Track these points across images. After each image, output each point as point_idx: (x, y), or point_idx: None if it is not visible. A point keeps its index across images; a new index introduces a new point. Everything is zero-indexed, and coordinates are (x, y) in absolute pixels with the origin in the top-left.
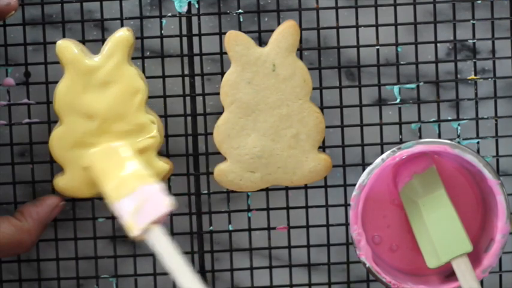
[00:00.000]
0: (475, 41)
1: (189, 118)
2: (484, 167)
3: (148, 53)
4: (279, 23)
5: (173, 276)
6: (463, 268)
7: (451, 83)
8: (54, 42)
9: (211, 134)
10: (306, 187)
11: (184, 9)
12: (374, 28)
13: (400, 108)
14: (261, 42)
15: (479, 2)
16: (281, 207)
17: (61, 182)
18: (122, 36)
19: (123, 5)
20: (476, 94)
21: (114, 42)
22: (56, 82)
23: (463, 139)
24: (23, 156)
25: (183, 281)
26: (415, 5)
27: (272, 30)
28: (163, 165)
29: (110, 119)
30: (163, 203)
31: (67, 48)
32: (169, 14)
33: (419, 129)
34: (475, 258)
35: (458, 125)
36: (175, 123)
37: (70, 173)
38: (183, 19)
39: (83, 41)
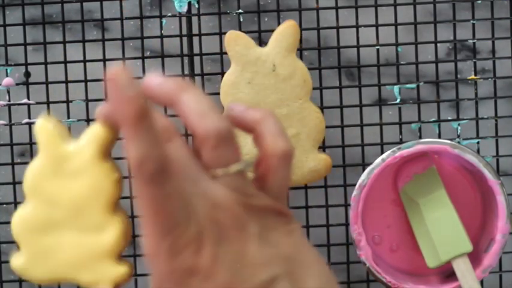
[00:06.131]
0: (475, 41)
1: None
2: (484, 167)
3: (148, 53)
4: (279, 23)
5: None
6: (463, 268)
7: (451, 83)
8: (54, 42)
9: None
10: (306, 187)
11: (184, 9)
12: (374, 28)
13: (400, 108)
14: (261, 42)
15: (479, 2)
16: None
17: (16, 261)
18: (94, 132)
19: (123, 5)
20: (476, 94)
21: (89, 135)
22: (56, 82)
23: (463, 139)
24: (23, 156)
25: None
26: (415, 5)
27: (272, 30)
28: (119, 270)
29: (72, 211)
30: None
31: (44, 129)
32: (169, 14)
33: (419, 129)
34: (475, 258)
35: (458, 125)
36: (175, 123)
37: (25, 256)
38: (183, 19)
39: (83, 41)
